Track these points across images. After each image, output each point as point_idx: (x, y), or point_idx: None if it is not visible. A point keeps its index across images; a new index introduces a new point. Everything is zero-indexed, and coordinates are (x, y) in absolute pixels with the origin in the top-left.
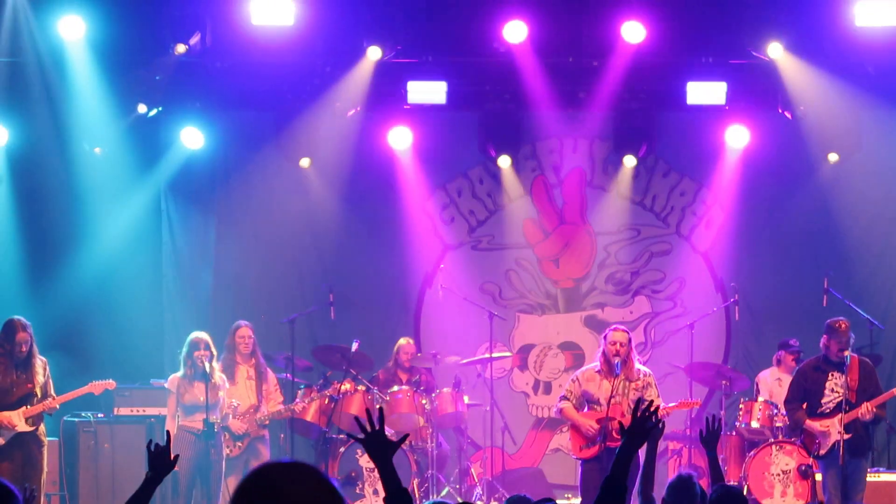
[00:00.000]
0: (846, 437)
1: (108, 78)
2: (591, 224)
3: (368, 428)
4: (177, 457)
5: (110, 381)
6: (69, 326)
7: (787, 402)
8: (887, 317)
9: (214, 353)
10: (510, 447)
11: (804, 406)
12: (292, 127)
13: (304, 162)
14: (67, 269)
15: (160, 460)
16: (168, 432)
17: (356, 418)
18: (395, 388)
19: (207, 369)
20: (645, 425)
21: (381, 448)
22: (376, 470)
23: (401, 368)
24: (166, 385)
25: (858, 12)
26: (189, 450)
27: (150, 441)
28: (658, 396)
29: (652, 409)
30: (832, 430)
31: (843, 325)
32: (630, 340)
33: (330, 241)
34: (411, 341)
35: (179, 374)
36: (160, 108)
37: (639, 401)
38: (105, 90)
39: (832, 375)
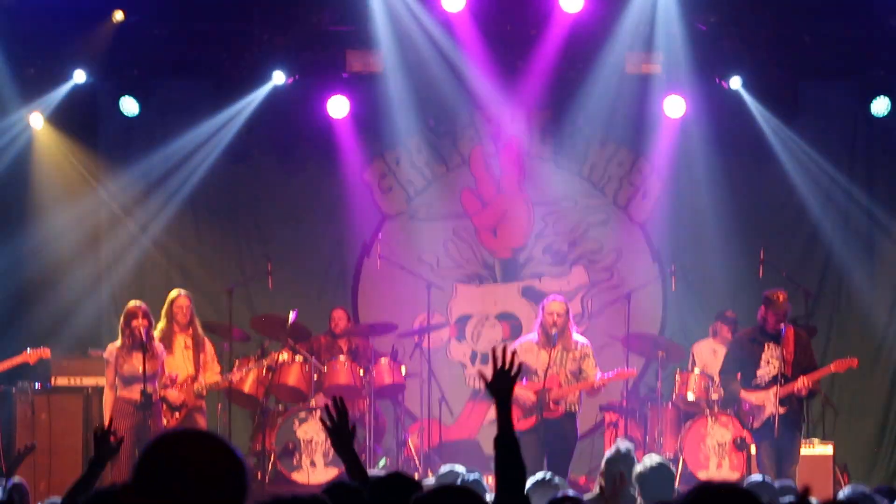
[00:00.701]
0: (781, 410)
1: (45, 46)
2: (528, 194)
3: (336, 419)
4: (120, 441)
5: (45, 349)
6: (5, 295)
7: (722, 371)
8: (823, 287)
9: (153, 321)
10: (447, 418)
11: (738, 376)
12: (230, 95)
13: (242, 129)
14: (3, 238)
15: (104, 445)
16: (110, 419)
17: (325, 407)
18: (333, 358)
19: (145, 338)
20: (507, 376)
21: (345, 440)
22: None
23: (337, 337)
24: (104, 355)
25: None
26: (127, 420)
27: (97, 428)
28: (595, 367)
29: (508, 355)
30: (767, 403)
31: (781, 297)
32: (567, 311)
33: (268, 210)
34: (344, 311)
35: (117, 343)
36: (98, 76)
37: (493, 351)
38: (42, 58)
39: (768, 347)
